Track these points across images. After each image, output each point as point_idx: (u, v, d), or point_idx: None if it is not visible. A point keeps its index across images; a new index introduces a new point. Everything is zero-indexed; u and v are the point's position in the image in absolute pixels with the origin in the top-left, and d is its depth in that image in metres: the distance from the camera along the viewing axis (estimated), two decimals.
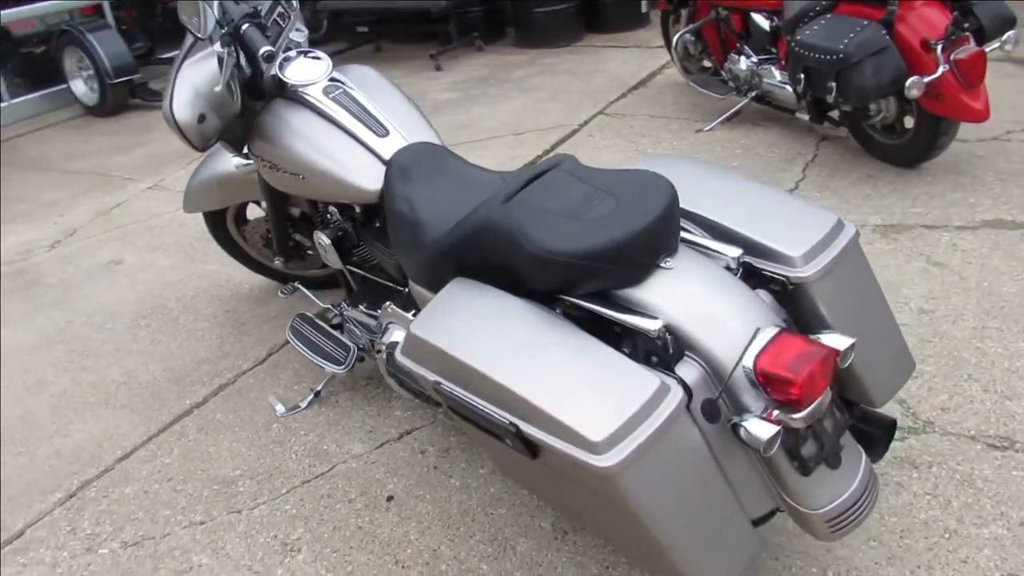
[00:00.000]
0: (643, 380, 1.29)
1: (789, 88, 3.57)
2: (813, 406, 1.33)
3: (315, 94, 2.04)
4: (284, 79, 2.06)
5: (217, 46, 1.93)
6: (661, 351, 1.40)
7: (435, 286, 1.65)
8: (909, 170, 3.40)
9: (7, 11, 5.86)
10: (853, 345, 1.41)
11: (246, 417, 2.40)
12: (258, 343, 2.76)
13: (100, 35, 5.61)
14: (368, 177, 1.94)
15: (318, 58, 2.12)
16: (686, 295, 1.43)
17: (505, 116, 4.79)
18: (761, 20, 3.82)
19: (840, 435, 1.44)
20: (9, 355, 2.91)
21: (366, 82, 2.12)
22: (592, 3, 6.31)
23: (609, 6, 6.30)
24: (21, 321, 3.15)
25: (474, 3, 6.44)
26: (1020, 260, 2.68)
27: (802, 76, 3.32)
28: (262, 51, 1.87)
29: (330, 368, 2.25)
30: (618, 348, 1.44)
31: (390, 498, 2.03)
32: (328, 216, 2.24)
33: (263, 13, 2.02)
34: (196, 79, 1.96)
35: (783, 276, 1.49)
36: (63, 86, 5.99)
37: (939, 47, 2.96)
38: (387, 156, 1.95)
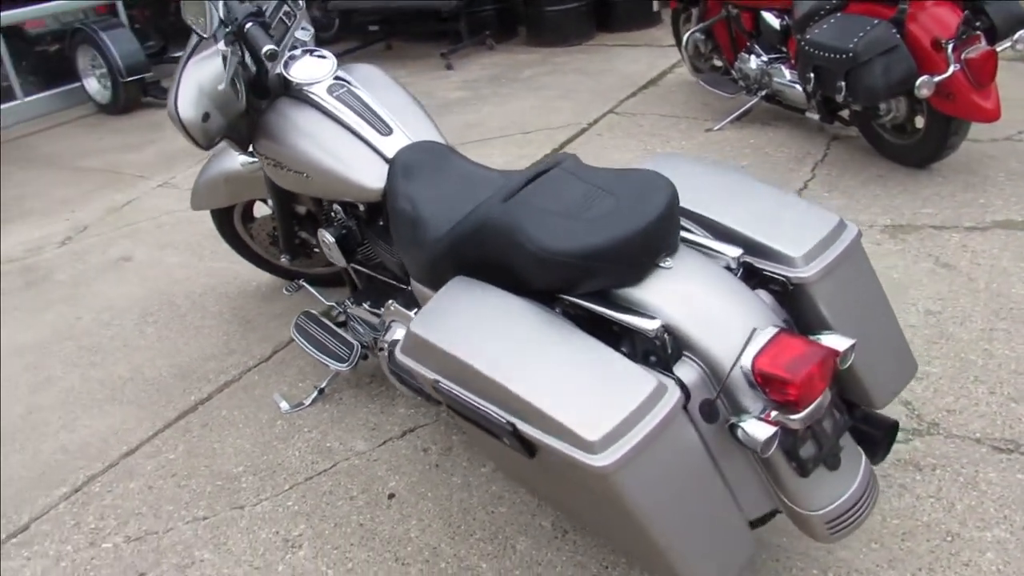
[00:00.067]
0: (640, 380, 1.29)
1: (799, 87, 3.55)
2: (812, 407, 1.32)
3: (319, 93, 2.05)
4: (289, 78, 2.07)
5: (221, 45, 1.94)
6: (659, 351, 1.40)
7: (436, 284, 1.65)
8: (919, 170, 3.38)
9: (21, 9, 5.91)
10: (853, 346, 1.40)
11: (250, 414, 2.42)
12: (264, 340, 2.77)
13: (113, 34, 5.65)
14: (371, 175, 1.95)
15: (323, 57, 2.13)
16: (685, 295, 1.42)
17: (514, 115, 4.78)
18: (771, 19, 3.80)
19: (839, 436, 1.43)
20: (19, 351, 2.94)
21: (371, 81, 2.13)
22: (604, 2, 6.30)
23: (620, 5, 6.29)
24: (31, 317, 3.18)
25: (486, 2, 6.45)
26: None
27: (811, 75, 3.30)
28: (264, 50, 1.88)
29: (334, 366, 2.26)
30: (617, 348, 1.44)
31: (391, 495, 2.04)
32: (332, 214, 2.25)
33: (267, 12, 2.03)
34: (201, 78, 1.97)
35: (783, 276, 1.48)
36: (76, 84, 6.04)
37: (950, 46, 2.94)
38: (390, 155, 1.95)
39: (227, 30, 1.93)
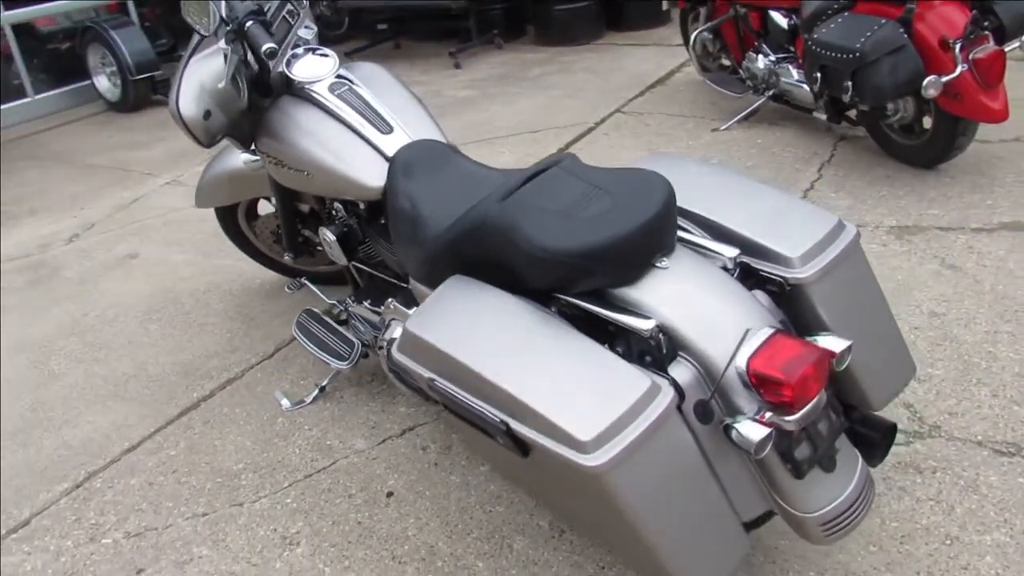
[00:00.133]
0: (633, 380, 1.29)
1: (807, 87, 3.53)
2: (807, 409, 1.31)
3: (321, 91, 2.05)
4: (291, 76, 2.07)
5: (222, 43, 1.95)
6: (654, 351, 1.39)
7: (434, 283, 1.65)
8: (927, 171, 3.35)
9: (33, 7, 5.95)
10: (850, 347, 1.39)
11: (252, 411, 2.42)
12: (267, 338, 2.78)
13: (123, 32, 5.69)
14: (371, 174, 1.95)
15: (326, 55, 2.14)
16: (680, 295, 1.42)
17: (522, 114, 4.78)
18: (779, 18, 3.78)
19: (835, 438, 1.42)
20: (25, 347, 2.96)
21: (373, 79, 2.13)
22: (613, 1, 6.28)
23: (630, 4, 6.27)
24: (38, 313, 3.20)
25: (494, 1, 6.44)
26: None
27: (818, 75, 3.28)
28: (264, 48, 1.88)
29: (334, 364, 2.27)
30: (613, 347, 1.45)
31: (390, 494, 2.04)
32: (333, 213, 2.25)
33: (270, 11, 2.03)
34: (202, 75, 1.98)
35: (780, 277, 1.47)
36: (87, 82, 6.08)
37: (958, 46, 2.92)
38: (391, 153, 1.95)
39: (228, 28, 1.94)
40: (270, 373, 2.60)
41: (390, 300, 2.07)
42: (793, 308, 1.50)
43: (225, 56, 1.97)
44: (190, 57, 2.01)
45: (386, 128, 2.00)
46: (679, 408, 1.34)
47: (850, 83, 3.10)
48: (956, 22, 2.96)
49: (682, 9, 4.67)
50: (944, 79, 2.92)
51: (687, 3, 4.55)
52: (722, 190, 1.63)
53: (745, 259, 1.51)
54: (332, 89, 2.05)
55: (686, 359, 1.38)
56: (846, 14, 3.25)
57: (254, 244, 2.95)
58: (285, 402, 2.41)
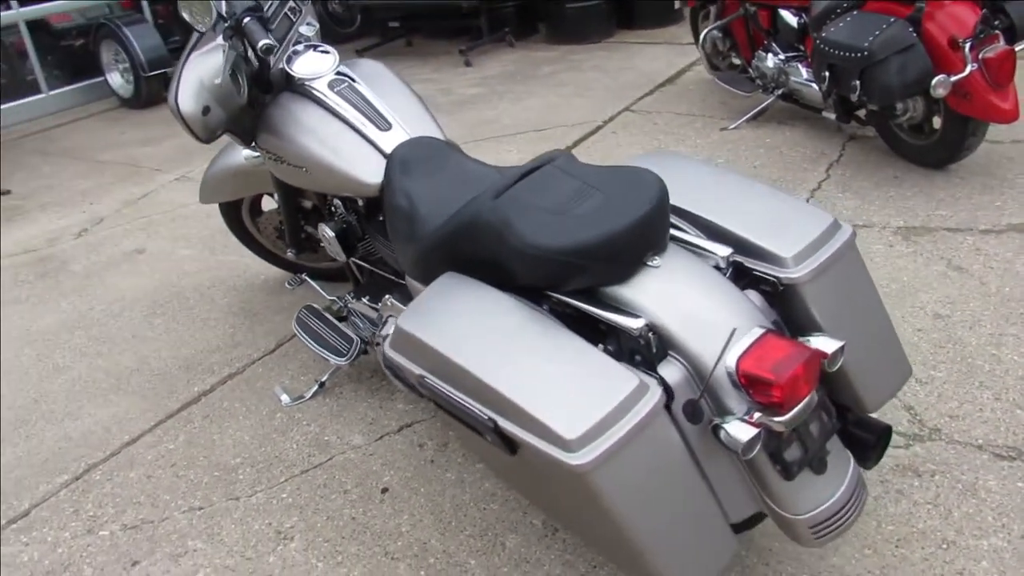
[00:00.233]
0: (621, 379, 1.28)
1: (816, 86, 3.50)
2: (796, 410, 1.30)
3: (320, 87, 2.05)
4: (291, 72, 2.08)
5: (220, 39, 1.95)
6: (644, 350, 1.39)
7: (427, 280, 1.65)
8: (936, 172, 3.32)
9: (47, 4, 6.01)
10: (842, 348, 1.38)
11: (252, 406, 2.43)
12: (269, 333, 2.79)
13: (136, 29, 5.73)
14: (369, 170, 1.95)
15: (327, 52, 2.14)
16: (671, 294, 1.40)
17: (530, 112, 4.78)
18: (789, 17, 3.75)
19: (827, 440, 1.41)
20: (31, 339, 2.99)
21: (373, 76, 2.13)
22: None
23: (641, 2, 6.25)
24: (44, 307, 3.23)
25: None
26: None
27: (826, 74, 3.26)
28: (260, 44, 1.89)
29: (333, 360, 2.27)
30: (604, 346, 1.44)
31: (385, 490, 2.04)
32: (333, 209, 2.26)
33: (269, 8, 2.04)
34: (201, 71, 1.98)
35: (773, 277, 1.46)
36: (100, 79, 6.13)
37: (967, 45, 2.89)
38: (389, 150, 1.96)
39: (226, 25, 1.95)
40: (271, 368, 2.61)
41: (387, 297, 2.07)
42: (786, 308, 1.48)
43: (224, 52, 1.98)
44: (190, 53, 2.02)
45: (385, 125, 2.00)
46: (668, 408, 1.33)
47: (858, 82, 3.07)
48: (966, 21, 2.93)
49: (692, 8, 4.64)
50: (953, 79, 2.89)
51: (697, 2, 4.53)
52: (717, 189, 1.62)
53: (738, 258, 1.50)
54: (332, 86, 2.06)
55: (676, 358, 1.37)
56: (855, 12, 3.22)
57: (258, 240, 2.96)
58: (284, 397, 2.42)
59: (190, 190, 4.21)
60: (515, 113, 4.80)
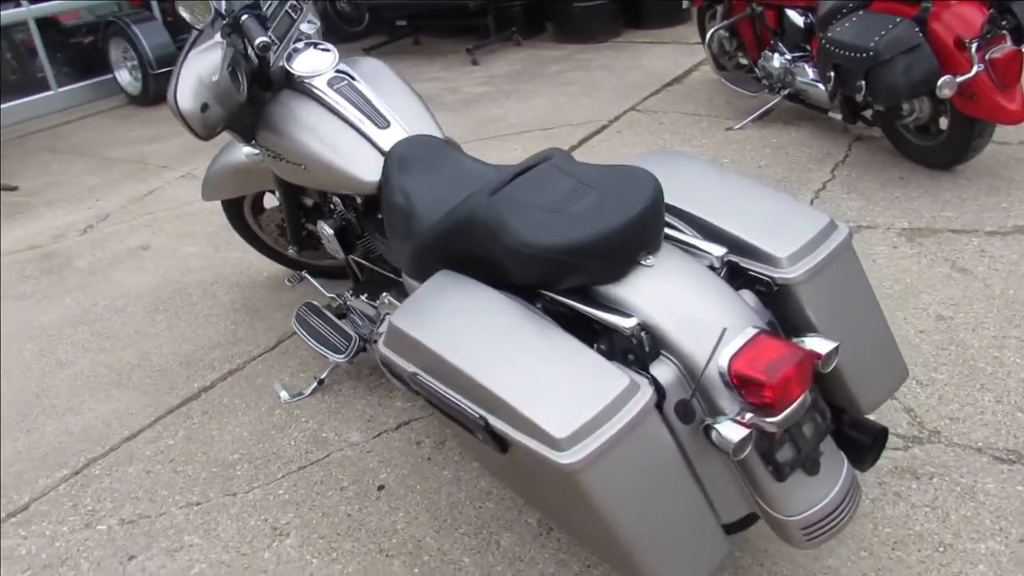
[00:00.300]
0: (612, 378, 1.28)
1: (822, 86, 3.48)
2: (789, 410, 1.29)
3: (319, 85, 2.06)
4: (290, 70, 2.08)
5: (218, 36, 1.96)
6: (636, 349, 1.38)
7: (423, 277, 1.65)
8: (942, 172, 3.30)
9: (58, 1, 6.04)
10: (836, 349, 1.37)
11: (251, 402, 2.44)
12: (270, 330, 2.80)
13: (145, 27, 5.75)
14: (367, 168, 1.95)
15: (327, 50, 2.14)
16: (664, 293, 1.40)
17: (536, 111, 4.77)
18: (795, 16, 3.73)
19: (820, 441, 1.40)
20: (35, 335, 3.01)
21: (372, 74, 2.14)
22: None
23: (649, 2, 6.23)
24: (49, 302, 3.24)
25: None
26: None
27: (832, 74, 3.24)
28: (257, 42, 1.89)
29: (332, 357, 2.27)
30: (596, 345, 1.43)
31: (381, 487, 2.04)
32: (332, 207, 2.26)
33: (268, 6, 2.04)
34: (200, 69, 1.99)
35: (768, 277, 1.45)
36: (108, 76, 6.16)
37: (974, 46, 2.87)
38: (387, 148, 1.96)
39: (224, 22, 1.95)
40: (271, 365, 2.61)
41: (385, 294, 2.07)
42: (781, 308, 1.48)
43: (222, 50, 1.98)
44: (189, 50, 2.03)
45: (383, 123, 2.00)
46: (660, 407, 1.33)
47: (863, 82, 3.06)
48: (973, 21, 2.91)
49: (699, 7, 4.63)
50: (959, 79, 2.87)
51: (704, 1, 4.52)
52: (714, 188, 1.61)
53: (733, 258, 1.49)
54: (331, 83, 2.06)
55: (668, 358, 1.37)
56: (861, 12, 3.20)
57: (260, 237, 2.97)
58: (284, 394, 2.43)
59: (196, 187, 4.19)
60: (521, 112, 4.80)
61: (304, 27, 2.20)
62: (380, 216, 2.11)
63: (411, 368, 1.48)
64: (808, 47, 3.69)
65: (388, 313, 2.05)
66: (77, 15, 6.24)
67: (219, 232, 3.60)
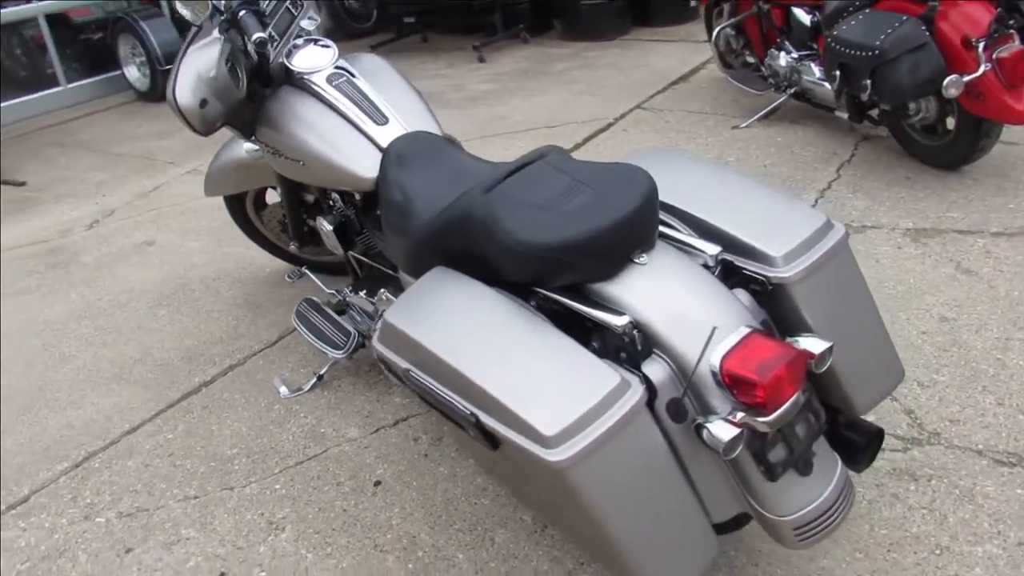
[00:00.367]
0: (602, 376, 1.27)
1: (828, 85, 3.46)
2: (780, 410, 1.28)
3: (319, 81, 2.06)
4: (290, 66, 2.09)
5: (216, 32, 1.96)
6: (628, 347, 1.37)
7: (418, 274, 1.65)
8: (949, 173, 3.27)
9: None
10: (830, 349, 1.36)
11: (251, 397, 2.45)
12: (271, 325, 2.81)
13: (153, 23, 5.77)
14: (365, 164, 1.95)
15: (327, 47, 2.14)
16: (657, 292, 1.39)
17: (541, 109, 4.76)
18: (802, 15, 3.72)
19: (813, 441, 1.39)
20: (39, 329, 3.02)
21: (372, 71, 2.14)
22: None
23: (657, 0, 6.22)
24: (55, 297, 3.26)
25: None
26: None
27: (837, 73, 3.22)
28: (254, 38, 1.90)
29: (331, 353, 2.28)
30: (589, 343, 1.43)
31: (377, 483, 2.04)
32: (331, 203, 2.27)
33: (266, 3, 2.04)
34: (199, 65, 1.99)
35: (763, 276, 1.44)
36: (117, 72, 6.18)
37: (981, 45, 2.84)
38: (385, 144, 1.96)
39: (222, 18, 1.95)
40: (272, 360, 2.62)
41: (382, 291, 2.08)
42: (776, 308, 1.47)
43: (220, 45, 1.99)
44: (188, 46, 2.03)
45: (381, 119, 2.00)
46: (652, 406, 1.32)
47: (869, 81, 3.04)
48: (980, 20, 2.88)
49: (706, 5, 4.61)
50: (966, 78, 2.85)
51: None
52: (711, 187, 1.60)
53: (728, 257, 1.48)
54: (330, 80, 2.06)
55: (660, 356, 1.36)
56: (867, 11, 3.18)
57: (262, 233, 2.97)
58: (283, 389, 2.43)
59: (201, 183, 4.23)
60: (526, 110, 4.79)
61: (304, 23, 2.20)
62: (378, 212, 2.12)
63: (404, 364, 1.48)
64: (815, 45, 3.68)
65: (385, 309, 2.05)
66: (87, 11, 6.26)
67: (223, 228, 3.60)
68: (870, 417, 1.96)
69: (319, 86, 2.04)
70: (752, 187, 1.60)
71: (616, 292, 1.40)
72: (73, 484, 2.19)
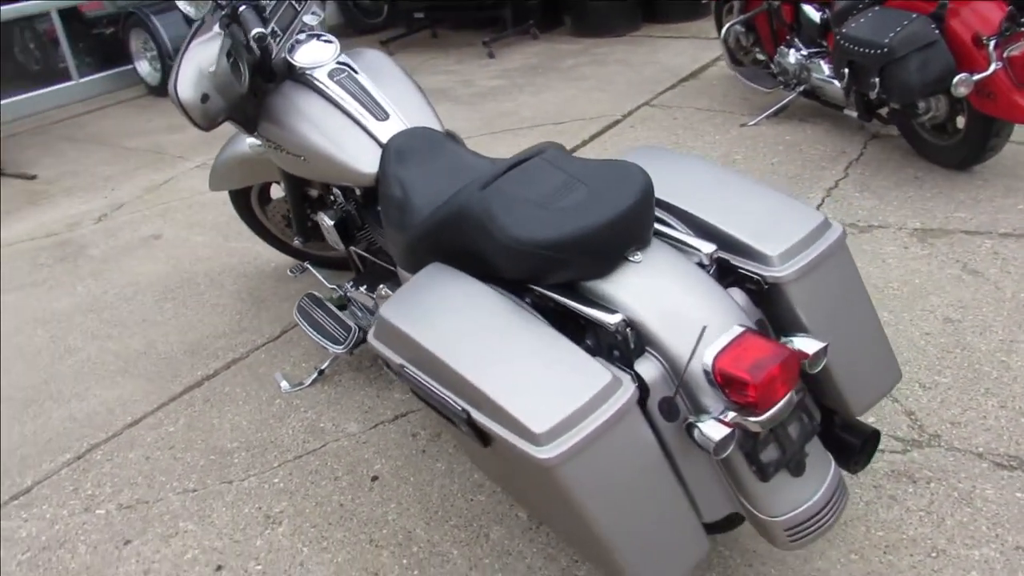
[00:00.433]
0: (594, 373, 1.27)
1: (837, 83, 3.44)
2: (773, 410, 1.28)
3: (320, 77, 2.06)
4: (292, 61, 2.09)
5: (217, 27, 1.97)
6: (621, 345, 1.37)
7: (416, 270, 1.65)
8: (959, 172, 3.24)
9: None
10: (825, 349, 1.35)
11: (252, 391, 2.46)
12: (274, 320, 2.82)
13: (164, 18, 5.80)
14: (365, 160, 1.95)
15: (329, 42, 2.15)
16: (650, 290, 1.39)
17: (549, 106, 4.75)
18: (811, 12, 3.69)
19: (806, 442, 1.38)
20: (46, 322, 3.05)
21: (373, 66, 2.14)
22: None
23: None
24: (61, 289, 3.29)
25: None
26: None
27: (846, 71, 3.20)
28: (253, 33, 1.90)
29: (331, 348, 2.28)
30: (582, 341, 1.43)
31: (375, 478, 2.05)
32: (333, 198, 2.27)
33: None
34: (200, 60, 1.99)
35: (758, 275, 1.43)
36: (129, 67, 6.23)
37: (991, 43, 2.81)
38: (385, 140, 1.96)
39: (222, 13, 1.96)
40: (274, 355, 2.63)
41: (381, 286, 2.08)
42: (771, 307, 1.46)
43: (220, 40, 1.99)
44: (190, 41, 2.03)
45: (382, 115, 2.00)
46: (644, 404, 1.32)
47: (877, 79, 3.01)
48: (991, 18, 2.85)
49: (716, 2, 4.58)
50: (976, 77, 2.82)
51: None
52: (708, 185, 1.59)
53: (723, 255, 1.47)
54: (331, 75, 2.06)
55: (653, 355, 1.36)
56: (877, 8, 3.15)
57: (267, 227, 2.98)
58: (284, 384, 2.44)
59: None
60: (535, 106, 4.78)
61: (307, 19, 2.20)
62: (379, 208, 2.12)
63: (399, 360, 1.48)
64: (824, 43, 3.65)
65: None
66: (99, 6, 6.30)
67: (229, 222, 3.62)
68: (869, 418, 1.97)
69: (320, 81, 2.05)
70: (749, 185, 1.59)
71: (610, 290, 1.40)
72: (75, 476, 2.21)
